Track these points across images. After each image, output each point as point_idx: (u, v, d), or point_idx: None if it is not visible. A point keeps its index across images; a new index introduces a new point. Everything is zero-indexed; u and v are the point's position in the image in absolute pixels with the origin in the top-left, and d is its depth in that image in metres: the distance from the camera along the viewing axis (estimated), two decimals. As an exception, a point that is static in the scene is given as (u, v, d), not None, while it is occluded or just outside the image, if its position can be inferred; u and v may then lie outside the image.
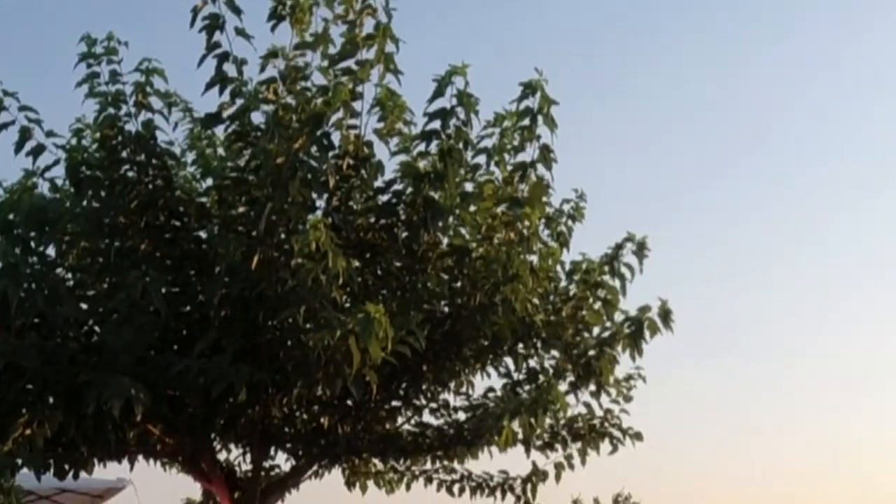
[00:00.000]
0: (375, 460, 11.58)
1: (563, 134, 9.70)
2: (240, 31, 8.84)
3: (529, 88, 9.49)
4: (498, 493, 11.50)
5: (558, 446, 11.22)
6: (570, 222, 10.77)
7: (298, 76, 8.96)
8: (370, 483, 12.30)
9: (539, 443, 11.09)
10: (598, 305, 10.58)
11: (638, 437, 11.35)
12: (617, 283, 10.59)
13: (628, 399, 11.20)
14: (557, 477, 11.06)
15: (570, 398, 10.79)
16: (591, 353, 10.62)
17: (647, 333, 10.44)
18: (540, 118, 9.53)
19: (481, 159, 9.77)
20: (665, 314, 10.48)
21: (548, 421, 10.24)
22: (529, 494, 11.29)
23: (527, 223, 9.56)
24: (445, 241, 9.84)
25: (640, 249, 10.59)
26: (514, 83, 9.61)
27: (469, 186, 9.77)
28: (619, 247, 10.62)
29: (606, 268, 10.60)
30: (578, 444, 11.19)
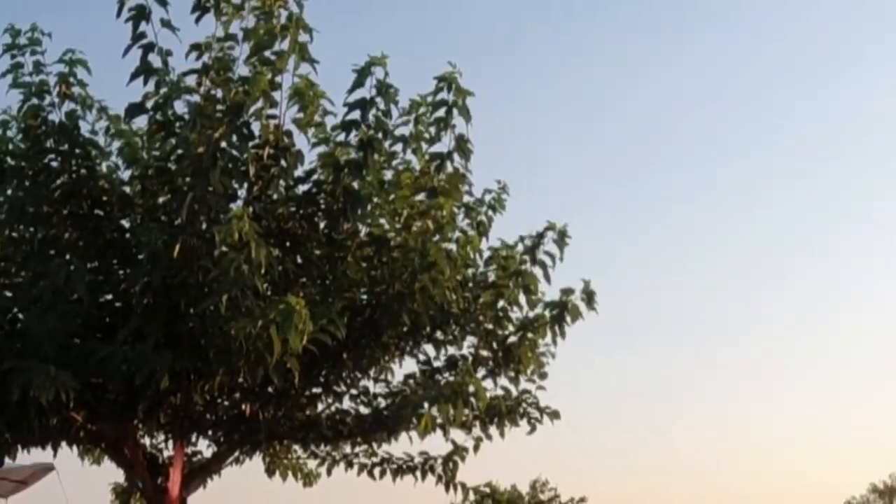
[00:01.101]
0: (296, 446, 11.67)
1: (489, 125, 9.85)
2: (165, 23, 8.95)
3: (444, 81, 9.62)
4: (419, 474, 11.60)
5: (477, 427, 11.36)
6: (490, 212, 10.92)
7: (222, 67, 9.08)
8: (290, 473, 12.42)
9: (455, 426, 11.19)
10: (517, 293, 10.74)
11: (555, 415, 11.47)
12: (538, 271, 10.77)
13: (543, 376, 11.32)
14: (476, 448, 11.29)
15: (489, 382, 10.96)
16: (512, 339, 10.82)
17: (569, 318, 10.64)
18: (455, 110, 9.64)
19: (398, 147, 9.90)
20: (589, 295, 10.67)
21: (465, 410, 10.39)
22: (450, 474, 11.43)
23: (442, 212, 9.73)
24: (365, 230, 9.98)
25: (561, 238, 10.77)
26: (435, 71, 9.72)
27: (388, 176, 9.91)
28: (540, 235, 10.79)
29: (527, 256, 10.77)
30: (495, 424, 11.33)
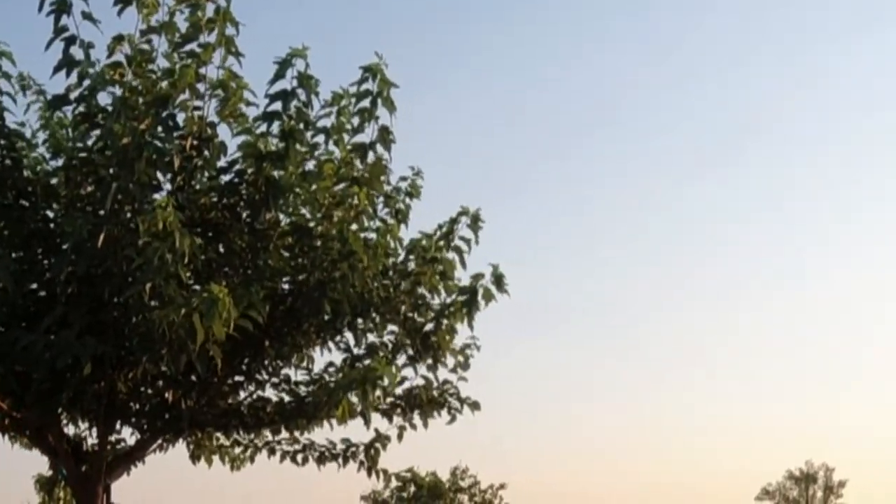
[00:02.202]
0: (219, 434, 11.77)
1: (405, 111, 10.01)
2: (87, 16, 9.03)
3: (370, 72, 9.77)
4: (341, 461, 11.74)
5: (398, 417, 11.56)
6: (407, 199, 11.05)
7: (144, 59, 9.19)
8: (216, 458, 12.49)
9: (378, 414, 11.38)
10: (435, 279, 10.95)
11: (475, 406, 11.74)
12: (454, 257, 11.00)
13: (466, 368, 11.55)
14: (399, 437, 11.49)
15: (409, 371, 11.22)
16: (429, 326, 11.03)
17: (481, 302, 10.87)
18: (379, 100, 9.82)
19: (320, 138, 10.00)
20: (498, 279, 10.92)
21: (377, 392, 10.54)
22: (372, 460, 11.58)
23: (357, 200, 9.92)
24: (286, 219, 10.12)
25: (475, 222, 11.02)
26: (357, 63, 9.86)
27: (310, 166, 9.99)
28: (454, 221, 11.02)
29: (442, 242, 10.99)
30: (417, 413, 11.58)
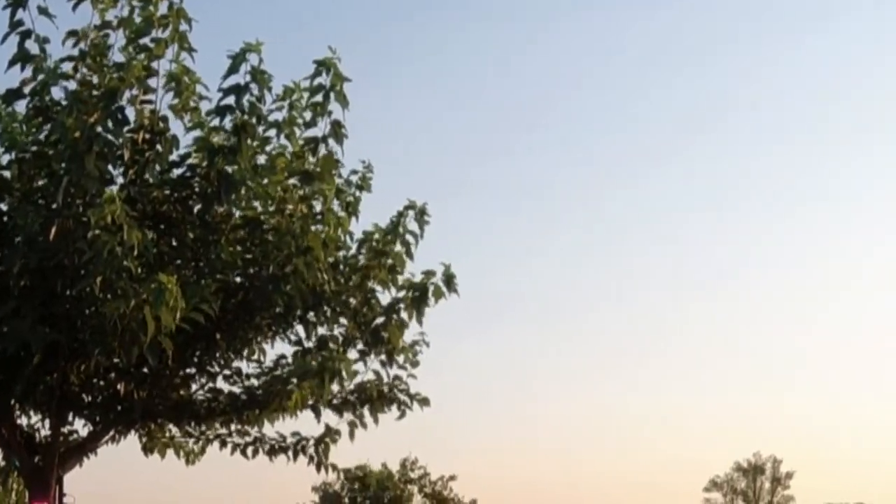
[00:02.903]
0: (171, 425, 11.82)
1: (358, 106, 10.08)
2: (42, 10, 9.09)
3: (323, 66, 9.84)
4: (291, 454, 11.81)
5: (348, 411, 11.57)
6: (357, 192, 11.11)
7: (99, 54, 9.25)
8: (170, 451, 12.53)
9: (329, 407, 11.43)
10: (384, 273, 11.05)
11: (425, 402, 11.83)
12: (401, 249, 11.10)
13: (415, 364, 11.62)
14: (351, 434, 11.53)
15: (360, 365, 11.26)
16: (379, 320, 11.12)
17: (431, 299, 11.00)
18: (332, 95, 9.87)
19: (272, 132, 10.04)
20: (449, 278, 11.06)
21: (335, 387, 10.63)
22: (322, 455, 11.68)
23: (321, 198, 10.01)
24: (238, 213, 10.16)
25: (421, 216, 11.15)
26: (309, 59, 9.93)
27: (262, 160, 10.05)
28: (401, 214, 11.14)
29: (391, 236, 11.09)
30: (368, 408, 11.61)
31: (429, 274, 11.03)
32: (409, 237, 11.13)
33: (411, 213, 11.14)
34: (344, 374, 9.97)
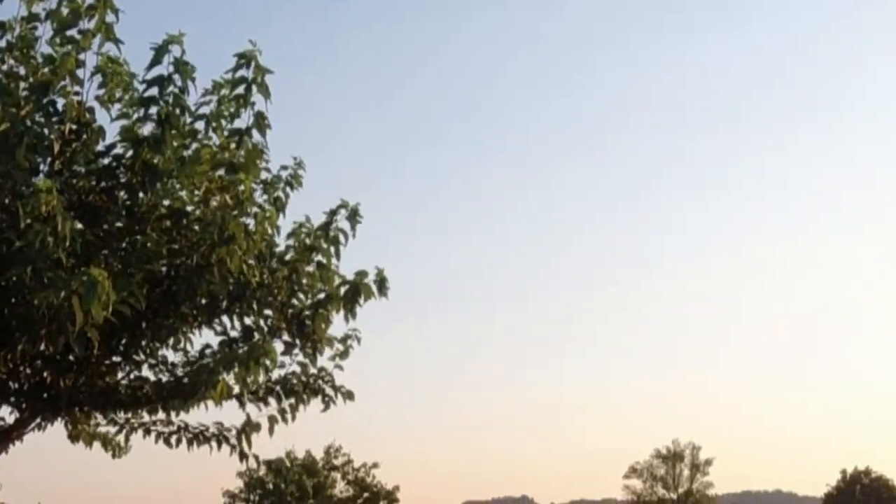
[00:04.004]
0: (96, 413, 11.85)
1: (288, 99, 10.19)
2: (-33, 3, 9.13)
3: (244, 59, 9.93)
4: (214, 444, 11.89)
5: (272, 401, 11.71)
6: (287, 188, 11.22)
7: (25, 45, 9.28)
8: (97, 444, 12.54)
9: (253, 397, 11.55)
10: (312, 268, 11.19)
11: (349, 395, 12.00)
12: (331, 248, 11.22)
13: (344, 357, 11.81)
14: (270, 430, 11.59)
15: (286, 358, 11.43)
16: (307, 313, 11.24)
17: (361, 298, 11.16)
18: (254, 87, 9.98)
19: (200, 125, 10.12)
20: (381, 281, 11.25)
21: (261, 377, 10.72)
22: (244, 444, 11.71)
23: (242, 188, 10.07)
24: (166, 202, 10.26)
25: (353, 216, 11.27)
26: (234, 50, 10.00)
27: (187, 151, 10.08)
28: (333, 213, 11.26)
29: (321, 232, 11.22)
30: (292, 400, 11.75)
31: (361, 274, 11.17)
32: (339, 235, 11.25)
33: (343, 211, 11.26)
34: (268, 362, 10.06)
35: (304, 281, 11.26)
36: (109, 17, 9.33)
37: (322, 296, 11.28)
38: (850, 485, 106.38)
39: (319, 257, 11.24)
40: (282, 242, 11.31)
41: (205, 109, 10.13)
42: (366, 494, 58.06)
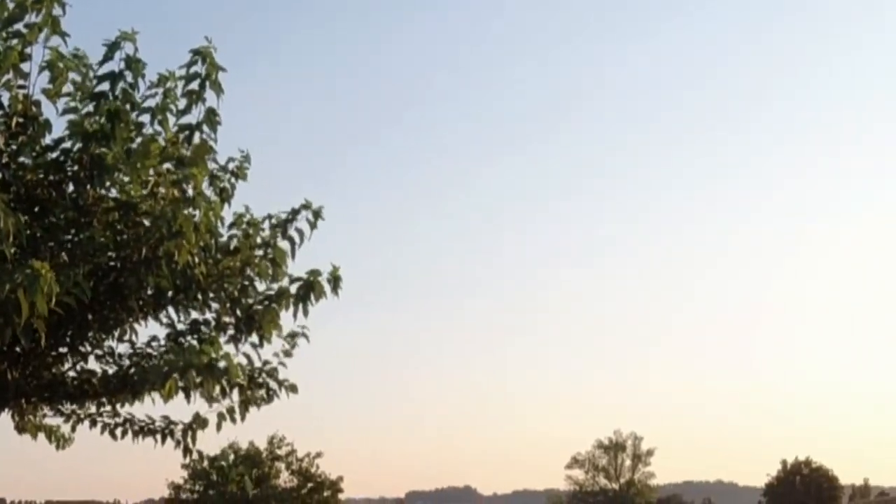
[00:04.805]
0: (43, 405, 11.88)
1: (236, 93, 10.29)
2: None
3: (199, 55, 10.05)
4: (159, 437, 11.95)
5: (217, 399, 11.68)
6: (233, 179, 11.34)
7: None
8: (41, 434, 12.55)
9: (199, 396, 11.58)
10: (265, 264, 11.29)
11: (293, 389, 12.06)
12: (286, 246, 11.37)
13: (289, 355, 11.95)
14: (218, 427, 11.62)
15: (231, 348, 11.45)
16: (258, 307, 11.33)
17: (313, 297, 11.25)
18: (207, 83, 10.11)
19: (146, 118, 10.14)
20: (335, 280, 11.35)
21: (216, 386, 10.75)
22: (189, 440, 11.81)
23: (192, 183, 10.15)
24: (113, 195, 10.30)
25: (315, 217, 11.44)
26: (186, 48, 10.12)
27: (135, 145, 10.12)
28: (295, 212, 11.40)
29: (279, 230, 11.33)
30: (237, 394, 11.74)
31: (315, 272, 11.26)
32: (294, 234, 11.40)
33: (305, 212, 11.41)
34: (230, 374, 10.08)
35: (255, 277, 11.33)
36: (56, 11, 9.37)
37: (273, 292, 11.36)
38: (790, 475, 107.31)
39: (272, 253, 11.30)
40: (224, 233, 11.36)
41: (150, 102, 10.15)
42: (310, 484, 58.04)
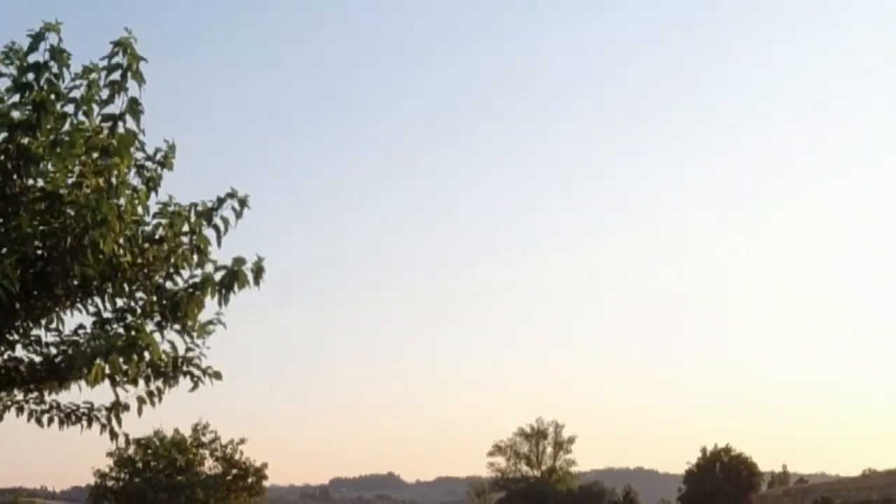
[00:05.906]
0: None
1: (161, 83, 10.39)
2: None
3: (119, 46, 10.13)
4: (84, 422, 12.03)
5: (141, 381, 11.73)
6: (159, 169, 11.40)
7: None
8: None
9: (124, 379, 11.69)
10: (188, 252, 11.40)
11: (217, 376, 12.17)
12: (211, 234, 11.46)
13: (202, 337, 11.93)
14: (139, 410, 11.73)
15: (157, 335, 11.51)
16: (181, 295, 11.43)
17: (236, 285, 11.37)
18: (129, 74, 10.19)
19: (70, 108, 10.27)
20: (258, 270, 11.47)
21: (143, 363, 10.86)
22: (114, 423, 11.90)
23: (115, 172, 10.25)
24: (40, 184, 10.39)
25: (241, 206, 11.53)
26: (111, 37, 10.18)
27: (60, 134, 10.25)
28: (221, 200, 11.48)
29: (203, 219, 11.43)
30: (160, 381, 11.84)
31: (239, 261, 11.38)
32: (220, 223, 11.47)
33: (231, 201, 11.49)
34: (152, 351, 10.22)
35: (179, 264, 11.42)
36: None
37: (197, 279, 11.47)
38: (710, 462, 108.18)
39: (196, 241, 11.39)
40: (150, 221, 11.41)
41: (76, 93, 10.27)
42: (234, 471, 57.98)
